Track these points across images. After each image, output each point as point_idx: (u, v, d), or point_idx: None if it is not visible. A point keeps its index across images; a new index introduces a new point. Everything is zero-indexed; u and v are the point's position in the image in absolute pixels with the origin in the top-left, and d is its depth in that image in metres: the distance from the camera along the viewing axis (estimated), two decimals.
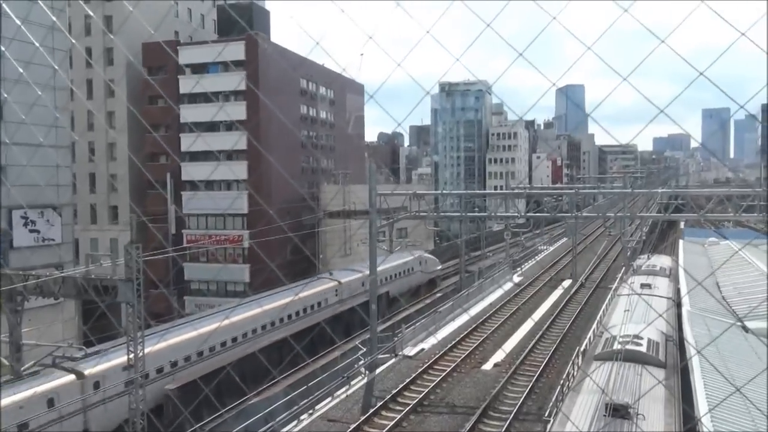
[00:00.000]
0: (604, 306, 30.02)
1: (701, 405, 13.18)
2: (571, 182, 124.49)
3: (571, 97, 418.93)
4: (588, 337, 24.28)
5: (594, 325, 25.83)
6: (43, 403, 20.99)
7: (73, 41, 52.03)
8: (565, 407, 14.29)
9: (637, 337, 17.37)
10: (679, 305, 25.05)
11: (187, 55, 53.55)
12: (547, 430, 13.94)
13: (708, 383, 14.18)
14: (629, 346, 16.63)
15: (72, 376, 22.15)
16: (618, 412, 12.37)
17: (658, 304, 24.71)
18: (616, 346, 16.76)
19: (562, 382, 19.25)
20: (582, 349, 21.64)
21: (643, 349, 16.81)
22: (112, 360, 23.40)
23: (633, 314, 20.78)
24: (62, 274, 25.72)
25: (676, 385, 15.88)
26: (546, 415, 18.05)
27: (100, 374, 22.58)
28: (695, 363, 15.48)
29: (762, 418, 12.46)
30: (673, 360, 17.79)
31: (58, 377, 22.14)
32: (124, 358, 21.71)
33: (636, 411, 12.51)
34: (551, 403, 18.12)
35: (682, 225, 62.07)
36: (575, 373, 18.72)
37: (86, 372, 22.25)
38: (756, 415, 12.68)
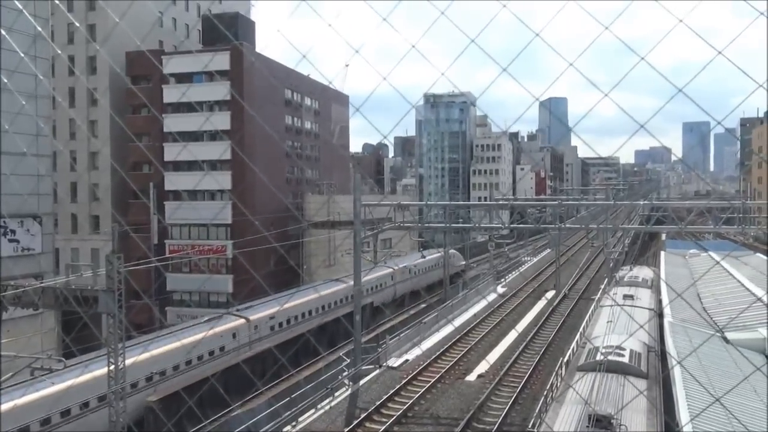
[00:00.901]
0: (587, 317, 30.18)
1: (683, 415, 13.28)
2: (554, 194, 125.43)
3: (554, 109, 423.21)
4: (571, 348, 24.39)
5: (577, 336, 25.96)
6: (230, 336, 32.11)
7: (57, 50, 51.68)
8: (549, 418, 14.34)
9: (619, 348, 17.46)
10: (661, 316, 25.26)
11: (171, 65, 53.35)
12: None
13: (690, 394, 14.30)
14: (612, 357, 16.70)
15: (243, 320, 33.04)
16: (600, 423, 12.43)
17: (640, 315, 24.88)
18: (599, 357, 16.84)
19: (545, 393, 19.30)
20: (565, 360, 21.72)
21: (626, 360, 16.90)
22: (264, 311, 34.61)
23: (616, 325, 20.92)
24: (42, 284, 25.37)
25: (658, 396, 15.99)
26: (530, 426, 18.08)
27: (257, 320, 33.58)
28: (677, 374, 15.60)
29: (743, 428, 12.57)
30: (655, 371, 17.91)
31: (235, 320, 33.13)
32: (271, 311, 34.94)
33: (618, 422, 12.58)
34: (535, 414, 18.15)
35: (663, 237, 62.73)
36: (558, 384, 18.78)
37: (251, 318, 33.35)
38: (737, 425, 12.79)
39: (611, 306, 25.34)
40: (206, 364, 29.95)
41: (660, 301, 29.04)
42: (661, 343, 20.81)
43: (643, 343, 19.32)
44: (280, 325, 36.15)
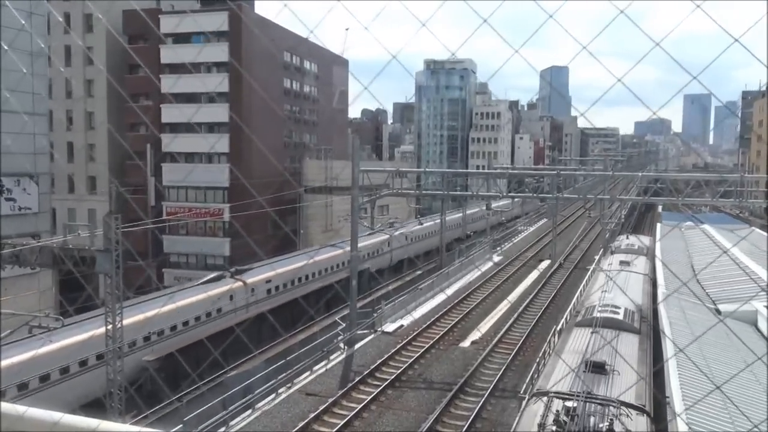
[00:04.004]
0: (584, 282, 30.52)
1: (672, 369, 13.87)
2: (553, 164, 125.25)
3: (555, 79, 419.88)
4: (569, 309, 24.84)
5: (574, 300, 26.36)
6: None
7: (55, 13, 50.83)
8: (549, 364, 15.15)
9: (615, 306, 18.32)
10: (654, 284, 25.55)
11: (169, 25, 52.58)
12: (531, 388, 14.71)
13: (680, 360, 14.62)
14: (607, 314, 17.54)
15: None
16: (596, 368, 13.38)
17: (635, 280, 25.25)
18: (596, 314, 17.66)
19: (538, 360, 19.64)
20: (558, 328, 22.02)
21: (620, 317, 17.75)
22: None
23: (612, 289, 21.35)
24: (39, 244, 25.42)
25: (649, 349, 16.92)
26: (531, 372, 18.74)
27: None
28: (667, 333, 16.34)
29: (733, 397, 12.80)
30: (647, 329, 18.62)
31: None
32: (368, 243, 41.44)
33: (612, 368, 13.57)
34: (536, 362, 18.88)
35: (659, 209, 62.87)
36: (551, 351, 19.11)
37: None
38: (727, 392, 13.03)
39: (608, 271, 25.74)
40: None
41: (654, 269, 29.39)
42: (653, 308, 21.22)
43: (637, 305, 19.89)
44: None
